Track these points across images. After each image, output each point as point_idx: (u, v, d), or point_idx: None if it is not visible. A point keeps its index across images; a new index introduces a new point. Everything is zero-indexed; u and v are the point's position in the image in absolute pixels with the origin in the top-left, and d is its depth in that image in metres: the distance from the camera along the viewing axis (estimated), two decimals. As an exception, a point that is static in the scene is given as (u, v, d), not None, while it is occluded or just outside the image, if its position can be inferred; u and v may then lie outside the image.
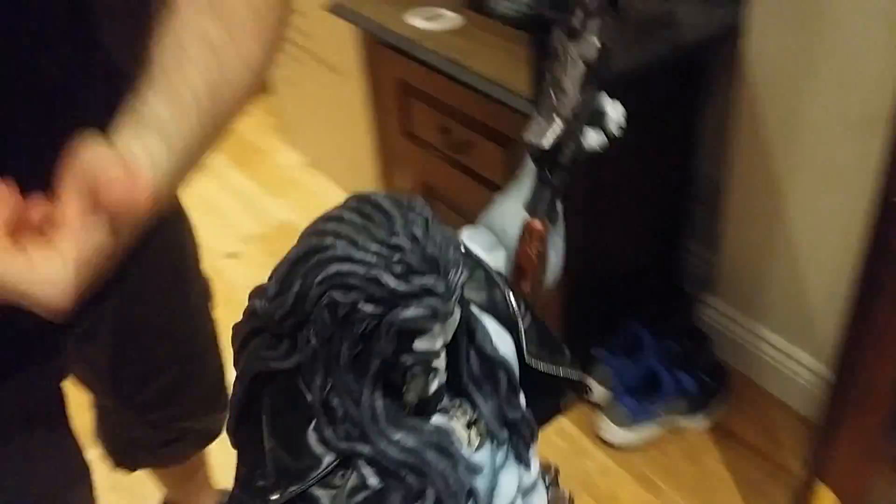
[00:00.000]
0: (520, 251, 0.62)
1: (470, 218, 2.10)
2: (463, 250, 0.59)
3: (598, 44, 0.58)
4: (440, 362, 0.49)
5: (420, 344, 0.46)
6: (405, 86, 1.82)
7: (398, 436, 0.48)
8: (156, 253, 0.89)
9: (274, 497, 0.48)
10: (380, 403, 0.47)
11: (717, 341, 1.84)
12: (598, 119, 0.62)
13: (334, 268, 0.44)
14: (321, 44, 2.25)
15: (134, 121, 0.57)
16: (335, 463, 0.48)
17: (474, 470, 0.51)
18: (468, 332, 0.53)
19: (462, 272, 0.46)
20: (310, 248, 0.45)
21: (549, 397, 0.65)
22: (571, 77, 0.58)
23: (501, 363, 0.54)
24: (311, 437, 0.49)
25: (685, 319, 1.90)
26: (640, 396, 1.70)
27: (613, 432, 1.69)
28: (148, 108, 0.58)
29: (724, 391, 1.77)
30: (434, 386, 0.50)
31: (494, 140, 1.65)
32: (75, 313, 0.49)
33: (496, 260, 0.63)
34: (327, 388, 0.47)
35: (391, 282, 0.43)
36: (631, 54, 1.54)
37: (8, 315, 0.49)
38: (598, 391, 1.78)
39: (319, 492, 0.48)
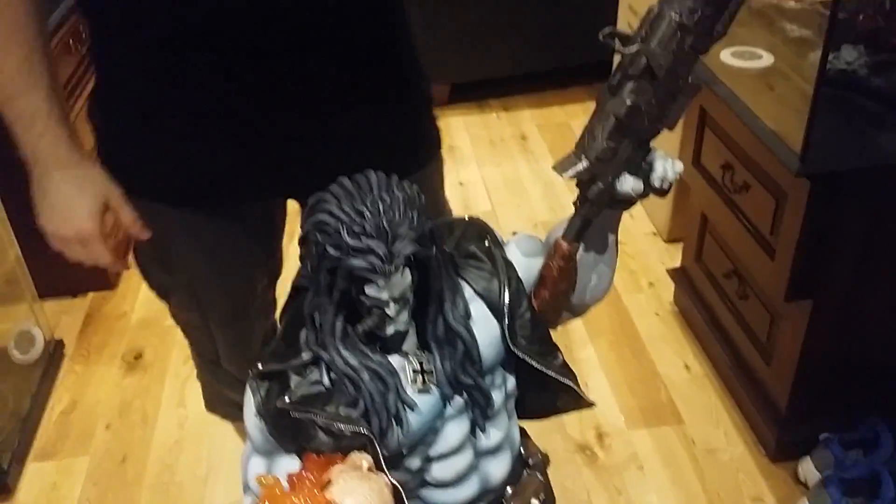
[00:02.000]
0: (544, 263, 0.73)
1: (732, 257, 2.05)
2: (487, 244, 0.73)
3: (628, 103, 0.65)
4: (395, 312, 0.64)
5: (369, 290, 0.62)
6: (703, 114, 1.85)
7: (346, 353, 0.64)
8: None
9: (259, 366, 0.68)
10: (339, 325, 0.64)
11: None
12: (638, 169, 0.69)
13: (320, 216, 0.62)
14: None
15: None
16: (310, 360, 0.66)
17: (407, 403, 0.65)
18: (438, 301, 0.67)
19: (408, 246, 0.60)
20: (319, 198, 0.63)
21: (542, 392, 0.74)
22: (602, 127, 0.67)
23: (459, 334, 0.67)
24: (301, 337, 0.68)
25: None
26: (852, 494, 1.57)
27: (808, 518, 1.58)
28: None
29: (963, 527, 1.54)
30: (390, 330, 0.65)
31: (768, 189, 1.62)
32: None
33: (533, 264, 0.74)
34: (314, 304, 0.65)
35: (347, 237, 0.60)
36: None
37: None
38: (811, 474, 1.67)
39: (293, 376, 0.66)
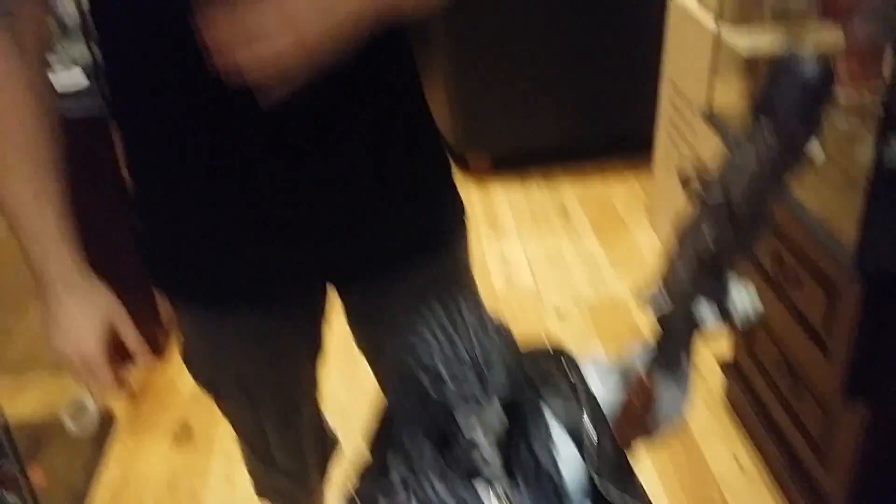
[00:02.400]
0: (625, 395, 0.75)
1: (784, 351, 1.99)
2: (572, 380, 0.75)
3: (712, 247, 0.68)
4: (485, 443, 0.65)
5: (461, 421, 0.64)
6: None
7: (434, 480, 0.66)
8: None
9: (354, 483, 0.70)
10: (428, 451, 0.66)
11: None
12: (718, 302, 0.71)
13: (422, 355, 0.64)
14: (701, 144, 2.37)
15: None
16: (399, 483, 0.68)
17: (491, 535, 0.67)
18: (524, 432, 0.69)
19: (502, 382, 0.63)
20: (415, 332, 0.66)
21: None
22: (686, 266, 0.69)
23: (545, 467, 0.68)
24: (390, 459, 0.70)
25: None
26: None
27: None
28: None
29: None
30: (478, 459, 0.67)
31: (821, 284, 1.62)
32: None
33: (612, 396, 0.76)
34: (405, 431, 0.68)
35: (443, 371, 0.63)
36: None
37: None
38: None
39: (381, 498, 0.68)
